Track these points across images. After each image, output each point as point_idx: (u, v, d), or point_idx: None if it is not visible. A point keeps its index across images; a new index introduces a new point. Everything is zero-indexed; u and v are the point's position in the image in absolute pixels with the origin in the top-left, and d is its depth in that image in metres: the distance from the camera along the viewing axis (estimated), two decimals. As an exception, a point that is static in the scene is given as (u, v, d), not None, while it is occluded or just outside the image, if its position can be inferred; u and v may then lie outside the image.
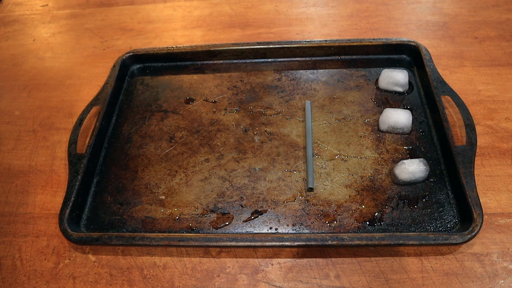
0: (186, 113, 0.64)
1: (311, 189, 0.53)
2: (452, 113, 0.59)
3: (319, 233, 0.49)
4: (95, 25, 0.84)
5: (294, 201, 0.52)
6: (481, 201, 0.48)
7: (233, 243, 0.47)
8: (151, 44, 0.78)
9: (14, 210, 0.56)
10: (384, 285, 0.45)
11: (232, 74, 0.69)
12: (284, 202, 0.52)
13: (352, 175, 0.54)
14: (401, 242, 0.45)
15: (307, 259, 0.48)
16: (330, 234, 0.47)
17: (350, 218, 0.50)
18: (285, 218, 0.51)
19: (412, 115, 0.59)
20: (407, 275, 0.46)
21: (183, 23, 0.82)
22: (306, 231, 0.50)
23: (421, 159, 0.53)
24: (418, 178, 0.52)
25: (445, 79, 0.61)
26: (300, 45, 0.69)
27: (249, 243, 0.47)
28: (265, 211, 0.52)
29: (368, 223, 0.50)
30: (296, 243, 0.46)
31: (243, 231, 0.50)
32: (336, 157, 0.56)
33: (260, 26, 0.80)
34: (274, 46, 0.69)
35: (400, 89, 0.63)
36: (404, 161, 0.52)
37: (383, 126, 0.58)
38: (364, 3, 0.82)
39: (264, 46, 0.69)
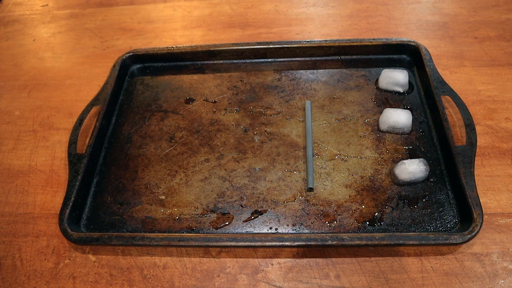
0: (186, 113, 0.64)
1: (311, 189, 0.53)
2: (452, 113, 0.59)
3: (319, 233, 0.49)
4: (95, 25, 0.84)
5: (294, 201, 0.52)
6: (481, 201, 0.48)
7: (233, 243, 0.47)
8: (151, 44, 0.78)
9: (14, 210, 0.56)
10: (384, 285, 0.45)
11: (232, 74, 0.69)
12: (284, 202, 0.52)
13: (352, 175, 0.54)
14: (401, 242, 0.45)
15: (307, 259, 0.48)
16: (330, 234, 0.47)
17: (350, 218, 0.50)
18: (285, 218, 0.51)
19: (412, 115, 0.59)
20: (407, 275, 0.46)
21: (183, 23, 0.82)
22: (306, 231, 0.50)
23: (421, 159, 0.53)
24: (418, 178, 0.52)
25: (445, 79, 0.61)
26: (300, 45, 0.69)
27: (249, 243, 0.47)
28: (265, 211, 0.52)
29: (368, 223, 0.50)
30: (296, 243, 0.46)
31: (243, 231, 0.50)
32: (336, 157, 0.56)
33: (260, 26, 0.80)
34: (274, 46, 0.69)
35: (400, 89, 0.63)
36: (404, 161, 0.52)
37: (383, 126, 0.58)
38: (364, 3, 0.82)
39: (264, 46, 0.69)
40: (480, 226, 0.46)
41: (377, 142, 0.58)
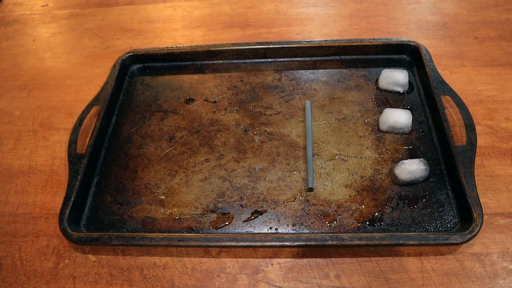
0: (186, 113, 0.64)
1: (311, 189, 0.53)
2: (452, 113, 0.59)
3: (319, 233, 0.49)
4: (95, 25, 0.84)
5: (294, 201, 0.52)
6: (481, 201, 0.48)
7: (233, 243, 0.47)
8: (151, 44, 0.78)
9: (14, 210, 0.56)
10: (384, 285, 0.45)
11: (232, 74, 0.69)
12: (284, 202, 0.52)
13: (352, 175, 0.54)
14: (401, 242, 0.45)
15: (307, 259, 0.48)
16: (330, 234, 0.47)
17: (350, 218, 0.50)
18: (285, 218, 0.51)
19: (412, 115, 0.59)
20: (407, 275, 0.46)
21: (183, 23, 0.82)
22: (306, 231, 0.50)
23: (421, 159, 0.53)
24: (418, 178, 0.52)
25: (445, 79, 0.61)
26: (300, 45, 0.69)
27: (249, 243, 0.47)
28: (265, 211, 0.52)
29: (368, 223, 0.50)
30: (296, 243, 0.46)
31: (243, 231, 0.50)
32: (336, 157, 0.56)
33: (260, 26, 0.80)
34: (274, 46, 0.69)
35: (400, 89, 0.63)
36: (404, 161, 0.52)
37: (383, 126, 0.58)
38: (364, 3, 0.82)
39: (264, 46, 0.69)
40: (480, 226, 0.46)
41: (377, 142, 0.58)
